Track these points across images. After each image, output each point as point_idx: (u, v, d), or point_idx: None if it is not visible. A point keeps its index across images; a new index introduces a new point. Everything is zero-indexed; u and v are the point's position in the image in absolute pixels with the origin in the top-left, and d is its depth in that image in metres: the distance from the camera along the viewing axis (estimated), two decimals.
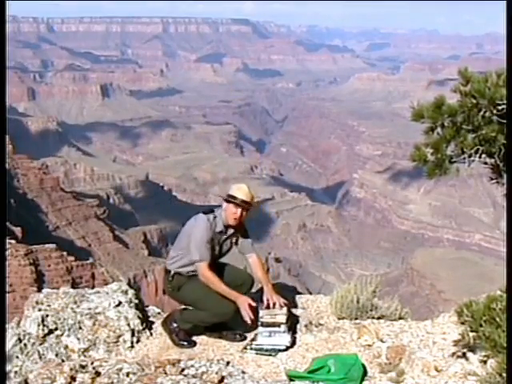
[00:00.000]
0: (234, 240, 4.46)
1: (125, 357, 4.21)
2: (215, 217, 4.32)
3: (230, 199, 4.29)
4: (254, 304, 4.15)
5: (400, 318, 4.56)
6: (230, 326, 4.47)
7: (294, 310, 4.70)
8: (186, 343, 4.37)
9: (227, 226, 4.36)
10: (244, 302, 4.15)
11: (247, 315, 4.11)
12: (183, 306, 4.60)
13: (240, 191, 4.32)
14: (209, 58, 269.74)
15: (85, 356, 4.27)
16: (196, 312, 4.44)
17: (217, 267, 4.41)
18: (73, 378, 3.22)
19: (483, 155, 2.71)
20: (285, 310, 4.24)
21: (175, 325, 4.44)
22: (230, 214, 4.30)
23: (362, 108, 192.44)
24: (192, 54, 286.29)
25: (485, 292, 3.33)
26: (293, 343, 4.19)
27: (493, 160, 2.72)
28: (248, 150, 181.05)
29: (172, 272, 4.41)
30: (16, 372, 4.05)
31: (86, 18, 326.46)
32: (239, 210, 4.28)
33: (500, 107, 2.60)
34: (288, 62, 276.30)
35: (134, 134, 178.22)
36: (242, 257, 4.59)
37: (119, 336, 4.45)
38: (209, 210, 4.40)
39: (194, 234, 4.29)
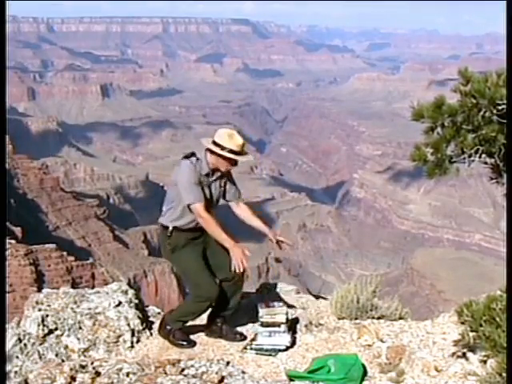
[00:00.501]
0: (222, 183, 4.23)
1: (125, 357, 4.21)
2: (198, 159, 4.10)
3: (221, 152, 4.01)
4: (248, 253, 3.99)
5: (400, 318, 4.56)
6: (228, 321, 4.44)
7: (293, 310, 4.70)
8: (185, 343, 4.35)
9: (213, 170, 4.15)
10: (238, 251, 3.97)
11: (238, 264, 3.94)
12: (172, 309, 4.60)
13: (231, 140, 4.05)
14: (209, 57, 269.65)
15: (85, 356, 4.27)
16: (180, 306, 4.45)
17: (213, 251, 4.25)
18: (73, 378, 3.22)
19: (483, 155, 2.71)
20: (285, 309, 4.24)
21: (169, 327, 4.42)
22: (221, 164, 4.09)
23: (362, 108, 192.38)
24: (192, 53, 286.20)
25: (485, 292, 3.32)
26: (293, 343, 4.19)
27: (493, 160, 2.73)
28: (248, 150, 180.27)
29: (170, 227, 4.19)
30: (16, 372, 4.05)
31: (86, 18, 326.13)
32: (233, 162, 4.11)
33: (500, 107, 2.60)
34: (288, 61, 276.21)
35: (134, 134, 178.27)
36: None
37: (119, 336, 4.45)
38: (190, 153, 4.16)
39: (180, 179, 4.08)
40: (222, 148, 4.02)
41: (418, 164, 2.76)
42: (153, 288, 73.48)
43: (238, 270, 3.96)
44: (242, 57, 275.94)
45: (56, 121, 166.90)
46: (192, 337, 4.44)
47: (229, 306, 4.37)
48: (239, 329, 4.51)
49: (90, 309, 4.59)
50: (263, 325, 4.18)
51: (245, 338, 4.36)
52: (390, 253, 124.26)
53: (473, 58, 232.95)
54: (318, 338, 4.28)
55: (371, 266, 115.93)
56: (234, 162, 4.12)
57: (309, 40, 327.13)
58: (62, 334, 4.40)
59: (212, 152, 4.07)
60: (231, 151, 4.02)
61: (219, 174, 4.17)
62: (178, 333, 4.39)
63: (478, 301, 2.77)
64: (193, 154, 4.13)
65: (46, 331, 4.37)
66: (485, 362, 2.84)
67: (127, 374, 3.24)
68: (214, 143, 4.06)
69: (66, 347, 4.34)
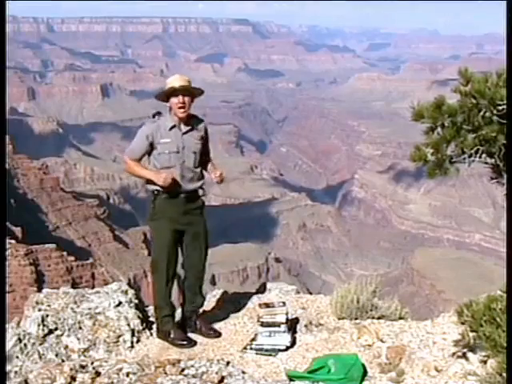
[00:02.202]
0: (198, 137, 4.35)
1: (125, 357, 4.21)
2: (159, 113, 4.31)
3: (169, 92, 4.19)
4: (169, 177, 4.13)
5: (400, 318, 4.55)
6: (202, 316, 4.57)
7: (293, 310, 4.70)
8: (185, 342, 4.35)
9: (180, 121, 4.28)
10: (159, 176, 4.16)
11: (161, 179, 4.12)
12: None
13: (173, 80, 4.24)
14: (209, 57, 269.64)
15: (85, 356, 4.27)
16: (154, 302, 4.48)
17: (188, 248, 4.39)
18: (73, 378, 3.22)
19: (483, 155, 2.71)
20: (285, 309, 4.24)
21: (164, 329, 4.45)
22: (174, 106, 4.22)
23: (362, 108, 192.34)
24: (192, 53, 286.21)
25: (485, 292, 3.32)
26: (293, 343, 4.19)
27: (493, 160, 2.73)
28: (248, 149, 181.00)
29: (155, 192, 4.33)
30: (16, 372, 4.05)
31: (86, 18, 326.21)
32: (181, 97, 4.19)
33: (500, 107, 2.60)
34: (288, 61, 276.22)
35: (134, 134, 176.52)
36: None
37: (119, 336, 4.45)
38: (156, 112, 4.35)
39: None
40: (171, 87, 4.21)
41: (418, 164, 2.76)
42: None
43: (161, 182, 4.12)
44: (243, 57, 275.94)
45: (56, 121, 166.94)
46: (192, 336, 4.44)
47: (196, 300, 4.52)
48: (239, 328, 4.51)
49: (89, 309, 4.59)
50: (263, 325, 4.17)
51: (219, 334, 4.41)
52: (390, 253, 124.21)
53: (473, 58, 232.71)
54: (318, 337, 4.28)
55: (371, 266, 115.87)
56: (187, 96, 4.21)
57: (309, 40, 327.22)
58: (61, 334, 4.40)
59: (167, 97, 4.23)
60: (180, 86, 4.17)
61: (189, 127, 4.31)
62: (177, 333, 4.40)
63: (478, 301, 2.77)
64: (159, 113, 4.32)
65: (46, 331, 4.37)
66: (485, 362, 2.84)
67: (127, 374, 3.24)
68: (165, 91, 4.23)
69: (66, 347, 4.34)
